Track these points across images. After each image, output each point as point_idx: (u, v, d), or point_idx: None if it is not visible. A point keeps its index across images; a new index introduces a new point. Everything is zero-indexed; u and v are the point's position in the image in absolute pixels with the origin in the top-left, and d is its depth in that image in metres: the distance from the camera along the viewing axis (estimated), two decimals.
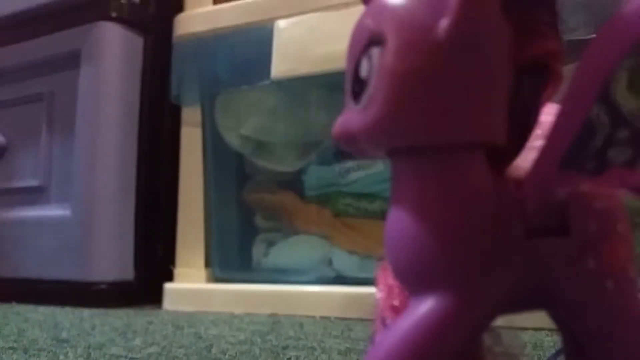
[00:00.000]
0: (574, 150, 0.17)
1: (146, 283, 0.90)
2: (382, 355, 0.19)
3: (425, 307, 0.19)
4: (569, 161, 0.18)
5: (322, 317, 0.72)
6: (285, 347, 0.53)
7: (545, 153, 0.18)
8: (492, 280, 0.19)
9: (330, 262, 0.83)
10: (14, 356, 0.50)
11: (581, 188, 0.18)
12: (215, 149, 0.89)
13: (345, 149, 0.20)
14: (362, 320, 0.66)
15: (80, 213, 0.89)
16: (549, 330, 0.54)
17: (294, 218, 0.87)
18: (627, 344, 0.18)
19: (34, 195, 0.96)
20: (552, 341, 0.51)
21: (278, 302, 0.77)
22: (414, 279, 0.20)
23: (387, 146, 0.19)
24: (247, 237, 0.90)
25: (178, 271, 0.87)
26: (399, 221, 0.20)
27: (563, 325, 0.21)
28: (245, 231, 0.90)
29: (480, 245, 0.19)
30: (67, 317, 0.76)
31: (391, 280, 0.24)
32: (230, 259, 0.90)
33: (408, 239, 0.20)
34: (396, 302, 0.23)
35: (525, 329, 0.56)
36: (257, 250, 0.88)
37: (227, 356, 0.50)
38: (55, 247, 0.91)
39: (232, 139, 0.88)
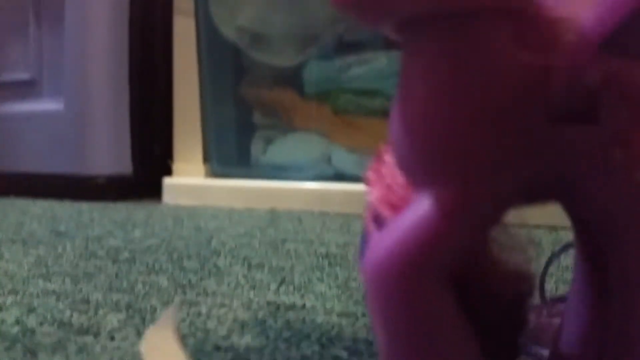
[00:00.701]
0: (619, 31, 0.15)
1: (145, 177, 0.90)
2: (382, 254, 0.18)
3: (431, 200, 0.18)
4: (611, 42, 0.16)
5: (321, 213, 0.72)
6: (284, 240, 0.53)
7: (586, 33, 0.16)
8: (506, 169, 0.17)
9: (329, 160, 0.82)
10: (13, 248, 0.50)
11: (616, 72, 0.16)
12: (210, 40, 0.86)
13: (356, 6, 0.16)
14: (360, 216, 0.67)
15: (73, 106, 0.88)
16: (548, 227, 0.54)
17: (292, 115, 0.85)
18: None
19: (26, 89, 0.94)
20: (551, 239, 0.51)
21: (277, 198, 0.77)
22: (421, 170, 0.19)
23: (433, 5, 0.16)
24: (245, 134, 0.88)
25: (176, 166, 0.87)
26: (408, 103, 0.18)
27: (578, 218, 0.20)
28: (243, 127, 0.89)
29: (497, 130, 0.17)
30: (65, 210, 0.76)
31: (389, 178, 0.23)
32: (229, 155, 0.89)
33: (417, 122, 0.18)
34: (395, 200, 0.22)
35: (524, 225, 0.56)
36: (256, 147, 0.87)
37: (226, 248, 0.50)
38: (49, 141, 0.90)
39: (228, 31, 0.85)
